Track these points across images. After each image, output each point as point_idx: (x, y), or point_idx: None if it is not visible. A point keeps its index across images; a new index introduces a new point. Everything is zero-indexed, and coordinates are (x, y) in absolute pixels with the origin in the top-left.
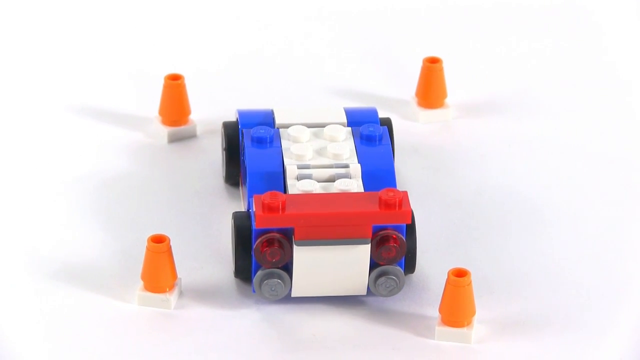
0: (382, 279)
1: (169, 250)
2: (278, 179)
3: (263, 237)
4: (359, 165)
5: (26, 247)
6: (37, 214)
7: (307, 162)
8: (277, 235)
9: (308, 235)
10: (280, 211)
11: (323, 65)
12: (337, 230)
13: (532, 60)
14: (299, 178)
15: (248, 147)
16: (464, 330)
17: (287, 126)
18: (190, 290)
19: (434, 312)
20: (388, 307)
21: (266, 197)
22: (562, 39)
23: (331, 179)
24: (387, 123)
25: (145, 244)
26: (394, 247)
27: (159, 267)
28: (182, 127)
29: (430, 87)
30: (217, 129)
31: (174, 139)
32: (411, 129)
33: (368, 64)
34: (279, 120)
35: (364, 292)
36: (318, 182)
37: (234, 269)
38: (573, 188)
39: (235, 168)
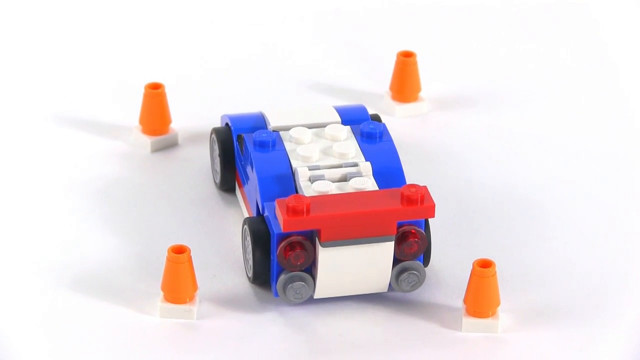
0: (404, 275)
1: (189, 261)
2: (289, 182)
3: (285, 241)
4: (369, 163)
5: (35, 258)
6: (40, 223)
7: (315, 163)
8: (299, 238)
9: (334, 236)
10: (305, 214)
11: (297, 61)
12: (362, 229)
13: (504, 53)
14: (311, 179)
15: (252, 152)
16: (491, 320)
17: (283, 129)
18: (208, 300)
19: (453, 302)
20: (408, 301)
21: (290, 200)
22: (535, 31)
23: (343, 179)
24: (376, 119)
25: (153, 253)
26: (415, 242)
27: (180, 278)
28: (165, 136)
29: (405, 81)
30: (198, 137)
31: (156, 149)
32: (388, 124)
33: (342, 58)
34: (273, 123)
35: (386, 289)
36: (331, 182)
37: (250, 275)
38: (560, 179)
39: (230, 173)
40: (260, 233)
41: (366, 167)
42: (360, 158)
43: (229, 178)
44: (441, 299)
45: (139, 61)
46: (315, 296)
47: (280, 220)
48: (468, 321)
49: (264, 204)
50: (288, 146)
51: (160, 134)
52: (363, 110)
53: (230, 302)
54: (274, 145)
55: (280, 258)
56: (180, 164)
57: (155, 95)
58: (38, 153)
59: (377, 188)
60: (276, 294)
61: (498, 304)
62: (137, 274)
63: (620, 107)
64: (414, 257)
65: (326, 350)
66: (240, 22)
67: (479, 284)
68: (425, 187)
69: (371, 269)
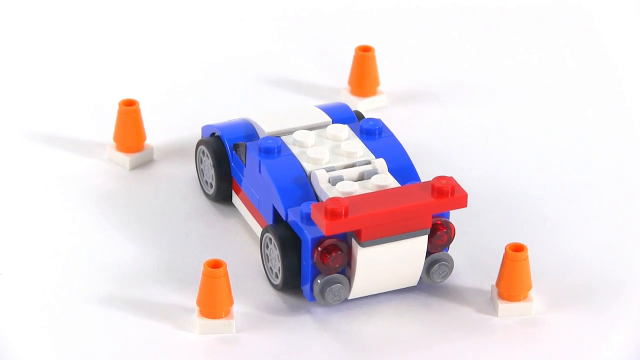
0: (435, 267)
1: (226, 275)
2: (306, 185)
3: (322, 245)
4: (382, 159)
5: (52, 274)
6: (46, 239)
7: (327, 165)
8: (334, 240)
9: (372, 235)
10: (344, 216)
11: (256, 55)
12: (399, 225)
13: (461, 48)
14: (331, 181)
15: (262, 160)
16: (525, 303)
17: (279, 134)
18: (239, 312)
19: (480, 286)
20: (434, 291)
21: (329, 203)
22: (494, 25)
23: (361, 177)
24: (359, 116)
25: (170, 269)
26: (445, 233)
27: (217, 292)
28: (142, 153)
29: (364, 75)
30: (171, 151)
31: (135, 166)
32: None
33: (300, 54)
34: (267, 129)
35: (416, 283)
36: (353, 182)
37: (278, 282)
38: (523, 169)
39: (225, 183)
40: (288, 239)
41: (381, 163)
42: (369, 155)
43: (224, 188)
44: (466, 283)
45: (93, 77)
46: (350, 297)
47: (321, 224)
48: (504, 306)
49: (288, 210)
50: (294, 150)
51: (136, 150)
52: (346, 108)
53: (261, 312)
54: (279, 150)
55: (318, 262)
56: (163, 179)
57: (130, 112)
58: (16, 171)
59: (397, 184)
60: (311, 299)
61: (530, 287)
62: (158, 290)
63: (583, 95)
64: (442, 248)
65: (373, 348)
66: (196, 28)
67: (512, 267)
68: (452, 178)
69: (405, 264)
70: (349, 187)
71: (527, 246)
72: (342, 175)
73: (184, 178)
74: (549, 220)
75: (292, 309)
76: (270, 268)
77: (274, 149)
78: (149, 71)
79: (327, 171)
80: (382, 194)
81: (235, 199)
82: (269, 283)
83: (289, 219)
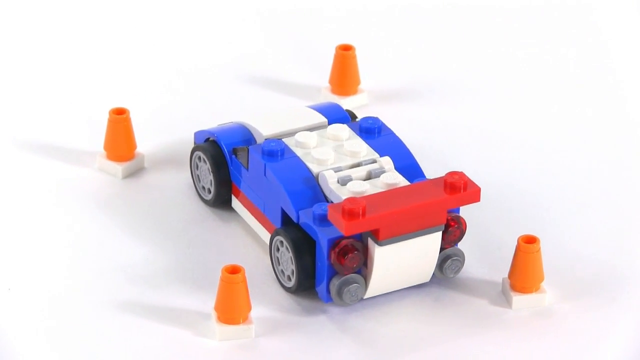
0: (448, 263)
1: (244, 281)
2: (314, 186)
3: (339, 246)
4: (388, 157)
5: (65, 281)
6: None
7: (332, 165)
8: (350, 240)
9: (390, 234)
10: (362, 215)
11: (236, 56)
12: (415, 223)
13: (442, 47)
14: (340, 181)
15: (267, 163)
16: (539, 295)
17: (278, 136)
18: (254, 317)
19: (490, 277)
20: (446, 285)
21: (346, 203)
22: (474, 24)
23: (368, 176)
24: (352, 115)
25: (182, 274)
26: (457, 228)
27: (236, 298)
28: (134, 161)
29: (345, 74)
30: (160, 158)
31: (127, 174)
32: None
33: (281, 53)
34: (265, 132)
35: (428, 279)
36: (362, 181)
37: (291, 285)
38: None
39: (224, 188)
40: (301, 241)
41: (387, 161)
42: (373, 154)
43: (224, 193)
44: (475, 277)
45: (78, 85)
46: (366, 296)
47: (340, 224)
48: (518, 298)
49: (299, 212)
50: (298, 152)
51: (127, 159)
52: (339, 108)
53: (277, 316)
54: (282, 153)
55: (335, 263)
56: (157, 186)
57: (121, 121)
58: (8, 180)
59: (407, 181)
60: (327, 300)
61: (542, 278)
62: (171, 296)
63: (556, 93)
64: (454, 243)
65: (395, 348)
66: (174, 33)
67: (525, 259)
68: (463, 173)
69: (420, 260)
70: (359, 187)
71: (539, 238)
72: (350, 175)
73: (177, 185)
74: (547, 214)
75: (307, 311)
76: (282, 271)
77: (277, 152)
78: (127, 78)
79: (336, 171)
80: (396, 192)
81: (236, 203)
82: (280, 286)
83: (301, 221)
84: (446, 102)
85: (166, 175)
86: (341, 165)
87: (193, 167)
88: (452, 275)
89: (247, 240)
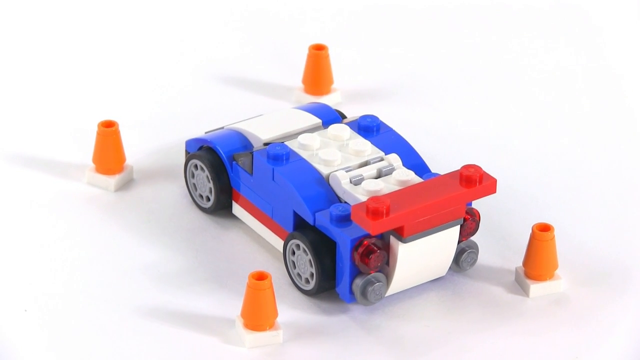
0: (464, 255)
1: (271, 287)
2: (326, 188)
3: (363, 245)
4: (395, 154)
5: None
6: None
7: (340, 165)
8: (373, 240)
9: (414, 230)
10: (387, 214)
11: (208, 54)
12: (437, 218)
13: (413, 47)
14: (353, 181)
15: (276, 167)
16: (554, 282)
17: (276, 140)
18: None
19: (503, 267)
20: (459, 279)
21: (370, 203)
22: (447, 24)
23: (379, 174)
24: (340, 115)
25: (196, 283)
26: (472, 221)
27: (263, 304)
28: (124, 173)
29: (318, 73)
30: (147, 169)
31: (119, 187)
32: None
33: (254, 53)
34: (263, 137)
35: (444, 273)
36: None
37: (310, 287)
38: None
39: (224, 195)
40: (319, 243)
41: (395, 158)
42: (379, 152)
43: (224, 200)
44: (485, 267)
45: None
46: (387, 294)
47: (366, 224)
48: (535, 286)
49: (316, 214)
50: (303, 154)
51: (117, 172)
52: (329, 108)
53: (299, 319)
54: (288, 156)
55: (359, 263)
56: (150, 197)
57: (110, 134)
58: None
59: (419, 177)
60: (350, 300)
61: (556, 266)
62: (190, 303)
63: (529, 92)
64: (469, 236)
65: (423, 345)
66: (141, 37)
67: (540, 247)
68: (477, 165)
69: (439, 255)
70: (375, 186)
71: (553, 226)
72: (361, 175)
73: (172, 195)
74: (550, 203)
75: (328, 313)
76: (298, 274)
77: (283, 156)
78: (102, 88)
79: (347, 171)
80: (415, 189)
81: (238, 209)
82: (297, 289)
83: (317, 223)
84: (419, 101)
85: (158, 186)
86: (349, 165)
87: (188, 176)
88: (468, 268)
89: (252, 246)
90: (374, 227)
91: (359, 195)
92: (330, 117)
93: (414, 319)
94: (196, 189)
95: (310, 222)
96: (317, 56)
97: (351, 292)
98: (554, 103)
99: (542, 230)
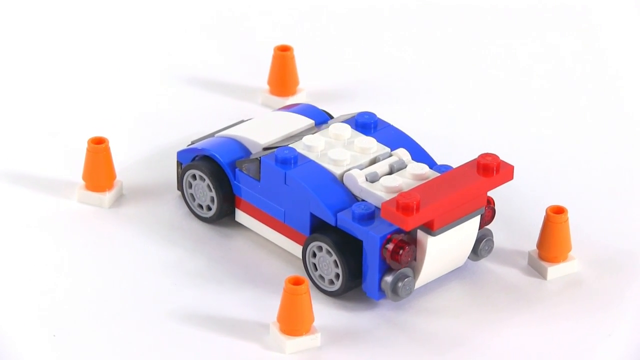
0: (482, 244)
1: (308, 292)
2: (342, 187)
3: (392, 242)
4: (403, 149)
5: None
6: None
7: (351, 164)
8: (402, 235)
9: (442, 223)
10: (418, 209)
11: (173, 57)
12: (462, 208)
13: (378, 48)
14: (368, 178)
15: (288, 171)
16: (569, 263)
17: (275, 145)
18: None
19: (513, 251)
20: (473, 268)
21: (401, 199)
22: (413, 24)
23: (391, 170)
24: (329, 115)
25: (218, 296)
26: (489, 209)
27: (300, 309)
28: (114, 190)
29: (284, 74)
30: (136, 184)
31: (112, 203)
32: None
33: (219, 54)
34: (262, 141)
35: (463, 263)
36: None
37: (336, 288)
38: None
39: (227, 203)
40: (343, 243)
41: (404, 153)
42: (384, 148)
43: (226, 208)
44: (498, 250)
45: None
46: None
47: (400, 220)
48: (552, 268)
49: (338, 214)
50: (310, 156)
51: (108, 189)
52: (315, 108)
53: (327, 321)
54: (296, 159)
55: (390, 260)
56: (145, 212)
57: (100, 151)
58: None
59: (431, 170)
60: (379, 297)
61: (570, 248)
62: (224, 309)
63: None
64: (487, 224)
65: (456, 337)
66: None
67: (555, 229)
68: (494, 154)
69: (461, 245)
70: (393, 181)
71: (567, 208)
72: (375, 172)
73: (166, 207)
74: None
75: (355, 312)
76: (321, 276)
77: (291, 159)
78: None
79: (361, 169)
80: (438, 182)
81: (242, 216)
82: (319, 291)
83: (339, 224)
84: (383, 100)
85: (150, 200)
86: (360, 163)
87: (185, 187)
88: (486, 255)
89: (261, 253)
90: (408, 223)
91: (377, 192)
92: (319, 117)
93: (441, 312)
94: (194, 199)
95: (332, 222)
96: (283, 57)
97: (380, 289)
98: (558, 91)
99: (557, 212)
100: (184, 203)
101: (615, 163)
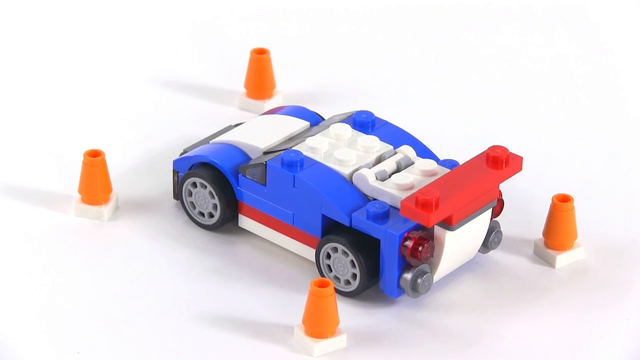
0: (492, 236)
1: (334, 294)
2: (351, 188)
3: (411, 239)
4: (408, 146)
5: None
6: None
7: (357, 164)
8: (420, 232)
9: (460, 218)
10: (437, 205)
11: (149, 61)
12: (477, 202)
13: (357, 49)
14: (378, 177)
15: (297, 174)
16: (575, 250)
17: (275, 149)
18: None
19: (519, 239)
20: (481, 261)
21: (420, 196)
22: (388, 27)
23: (399, 167)
24: (320, 116)
25: (235, 306)
26: (500, 200)
27: (326, 311)
28: (111, 202)
29: (260, 77)
30: (130, 195)
31: (110, 216)
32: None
33: (195, 58)
34: (261, 146)
35: (473, 256)
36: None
37: (354, 288)
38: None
39: (230, 209)
40: (359, 243)
41: (408, 149)
42: (387, 146)
43: (229, 214)
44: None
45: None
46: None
47: (421, 217)
48: (560, 257)
49: (352, 214)
50: (315, 157)
51: (104, 202)
52: (306, 110)
53: (346, 322)
54: (302, 162)
55: (410, 257)
56: (143, 223)
57: (97, 164)
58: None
59: (440, 165)
60: (397, 295)
61: (576, 236)
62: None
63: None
64: (496, 216)
65: (477, 332)
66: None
67: (561, 217)
68: (502, 146)
69: (475, 238)
70: (404, 179)
71: (573, 197)
72: (384, 170)
73: (164, 216)
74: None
75: (373, 311)
76: (336, 277)
77: (297, 162)
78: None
79: (370, 169)
80: (451, 177)
81: (246, 221)
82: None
83: (354, 224)
84: (362, 101)
85: (145, 210)
86: (367, 162)
87: (185, 195)
88: (495, 247)
89: (267, 259)
90: (430, 219)
91: (390, 190)
92: (311, 118)
93: (458, 307)
94: (194, 207)
95: (346, 223)
96: (259, 60)
97: (399, 286)
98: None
99: (563, 200)
100: (182, 212)
101: (618, 151)
